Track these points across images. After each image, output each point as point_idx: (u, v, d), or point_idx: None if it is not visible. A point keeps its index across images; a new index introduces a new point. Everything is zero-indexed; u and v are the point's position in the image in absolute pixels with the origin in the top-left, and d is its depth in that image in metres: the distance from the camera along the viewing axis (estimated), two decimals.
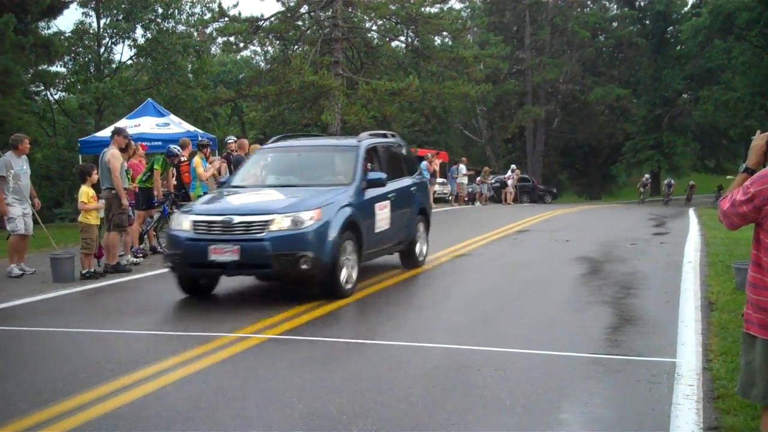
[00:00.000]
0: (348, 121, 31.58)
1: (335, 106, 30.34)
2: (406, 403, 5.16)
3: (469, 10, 58.16)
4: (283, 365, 6.24)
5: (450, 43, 43.62)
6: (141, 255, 13.11)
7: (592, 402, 5.16)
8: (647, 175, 44.22)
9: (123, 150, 13.05)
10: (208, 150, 15.85)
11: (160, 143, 15.61)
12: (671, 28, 56.29)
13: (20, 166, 11.95)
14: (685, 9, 56.81)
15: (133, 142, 13.89)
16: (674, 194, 43.10)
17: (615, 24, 57.90)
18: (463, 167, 32.32)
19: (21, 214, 11.78)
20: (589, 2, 59.15)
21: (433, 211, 24.65)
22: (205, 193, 14.83)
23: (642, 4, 57.90)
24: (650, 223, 19.62)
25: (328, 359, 6.39)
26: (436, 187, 30.51)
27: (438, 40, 45.10)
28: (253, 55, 57.25)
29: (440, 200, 32.55)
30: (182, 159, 15.04)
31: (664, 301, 8.57)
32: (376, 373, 5.89)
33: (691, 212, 22.86)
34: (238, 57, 55.07)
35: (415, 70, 39.51)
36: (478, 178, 35.02)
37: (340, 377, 5.82)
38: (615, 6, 60.59)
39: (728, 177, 13.67)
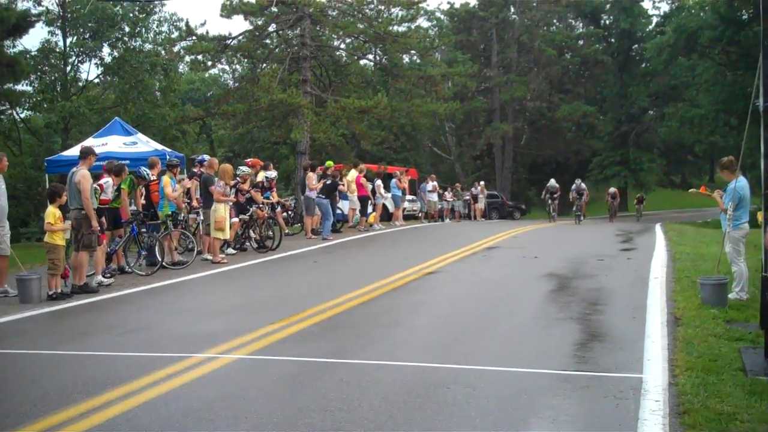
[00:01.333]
0: (317, 138, 31.59)
1: (304, 124, 30.33)
2: (375, 421, 5.18)
3: (436, 28, 58.62)
4: (254, 385, 6.22)
5: (418, 61, 43.79)
6: (109, 275, 13.01)
7: (559, 418, 5.21)
8: (613, 189, 43.24)
9: (116, 174, 13.06)
10: (177, 169, 15.82)
11: (128, 162, 15.52)
12: (636, 46, 57.08)
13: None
14: (650, 27, 57.67)
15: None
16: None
17: (581, 42, 58.59)
18: (433, 184, 32.47)
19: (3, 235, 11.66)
20: (555, 21, 59.85)
21: (402, 228, 24.84)
22: (173, 213, 14.83)
23: (607, 22, 58.64)
24: (618, 239, 19.81)
25: (298, 378, 6.38)
26: (406, 204, 30.57)
27: (406, 59, 45.28)
28: (221, 73, 57.36)
29: (410, 217, 32.63)
30: (151, 178, 15.00)
31: (630, 317, 8.67)
32: (345, 392, 5.89)
33: (658, 228, 23.10)
34: (206, 75, 55.01)
35: (383, 88, 39.69)
36: (448, 194, 35.16)
37: (309, 397, 5.82)
38: (581, 24, 61.35)
39: (690, 191, 13.98)
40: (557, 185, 34.29)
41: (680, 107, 48.34)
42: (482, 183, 38.46)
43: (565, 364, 6.60)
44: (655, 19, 58.08)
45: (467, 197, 36.64)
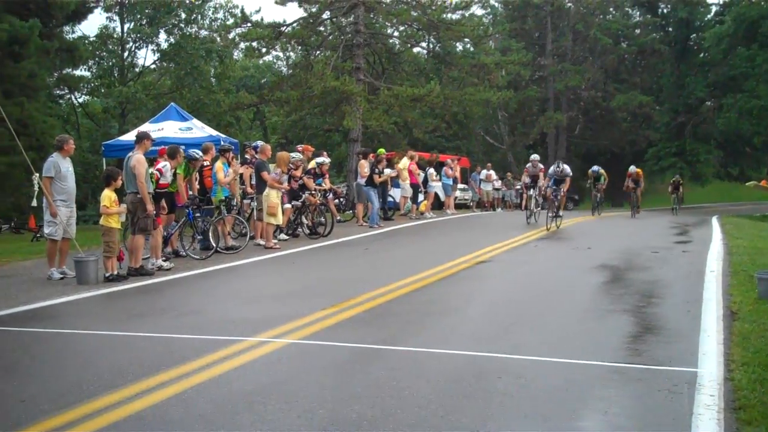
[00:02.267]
0: (369, 126, 31.66)
1: (357, 111, 30.42)
2: (426, 409, 5.18)
3: (490, 16, 58.13)
4: (305, 370, 6.27)
5: (471, 49, 43.61)
6: (164, 258, 13.20)
7: (611, 411, 5.16)
8: (677, 176, 38.06)
9: (171, 157, 13.23)
10: (230, 155, 15.96)
11: (183, 147, 15.69)
12: (694, 35, 55.91)
13: (66, 168, 12.08)
14: (709, 16, 56.43)
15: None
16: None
17: (637, 31, 57.58)
18: (486, 173, 32.36)
19: (65, 219, 11.91)
20: (611, 9, 58.88)
21: (454, 216, 24.76)
22: (227, 198, 14.98)
23: (665, 11, 57.53)
24: (672, 231, 19.52)
25: (348, 364, 6.42)
26: (457, 193, 30.45)
27: (459, 47, 45.16)
28: (275, 60, 57.58)
29: (462, 206, 32.52)
30: (205, 164, 15.18)
31: (685, 311, 8.54)
32: (396, 378, 5.90)
33: (714, 221, 22.71)
34: (261, 62, 55.33)
35: (436, 76, 39.53)
36: (498, 183, 34.96)
37: (360, 383, 5.84)
38: (637, 13, 60.24)
39: (748, 184, 13.63)
40: (600, 170, 28.43)
41: (739, 98, 47.31)
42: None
43: (618, 356, 6.53)
44: (714, 8, 56.83)
45: (518, 186, 36.34)
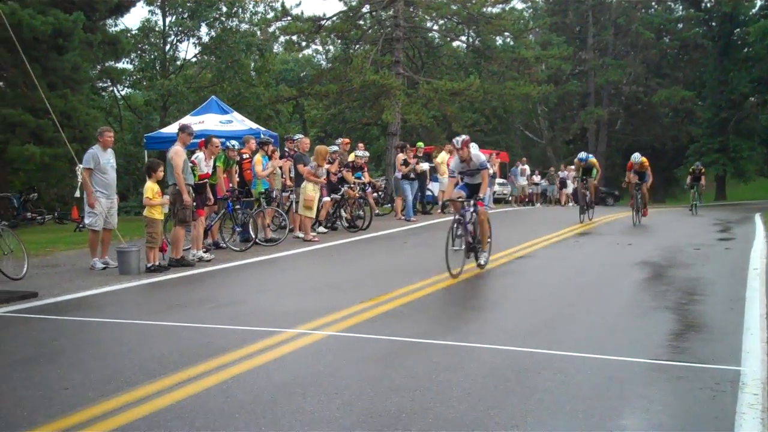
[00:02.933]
0: (408, 120, 31.63)
1: (396, 105, 30.41)
2: (465, 403, 5.17)
3: (531, 10, 57.78)
4: (344, 362, 6.28)
5: (511, 43, 43.36)
6: (204, 249, 13.32)
7: (653, 408, 5.11)
8: (698, 163, 32.39)
9: (204, 145, 13.20)
10: (270, 147, 16.03)
11: (223, 140, 15.81)
12: (738, 30, 54.99)
13: (106, 159, 12.23)
14: (753, 11, 55.49)
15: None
16: None
17: (680, 25, 56.85)
18: (522, 168, 32.17)
19: (104, 210, 12.07)
20: (653, 3, 58.21)
21: (492, 211, 24.64)
22: (266, 191, 15.07)
23: (708, 5, 56.70)
24: (715, 228, 19.26)
25: (387, 358, 6.42)
26: (496, 188, 30.31)
27: (499, 41, 44.90)
28: (314, 54, 57.71)
29: (500, 200, 32.39)
30: (244, 156, 15.28)
31: (728, 308, 8.42)
32: (435, 372, 5.89)
33: (757, 218, 22.35)
34: (300, 55, 55.49)
35: (476, 70, 39.38)
36: (538, 178, 34.75)
37: (399, 376, 5.84)
38: (680, 7, 59.45)
39: None
40: (591, 159, 22.19)
41: None
42: (571, 167, 37.84)
43: (660, 353, 6.46)
44: (759, 2, 55.89)
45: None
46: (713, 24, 55.89)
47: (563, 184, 33.94)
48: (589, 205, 20.80)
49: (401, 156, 21.18)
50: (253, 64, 40.58)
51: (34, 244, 14.96)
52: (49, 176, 26.25)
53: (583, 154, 21.99)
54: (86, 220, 12.51)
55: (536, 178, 34.91)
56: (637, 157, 20.59)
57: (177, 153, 12.18)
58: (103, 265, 12.09)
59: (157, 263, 11.60)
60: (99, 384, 5.69)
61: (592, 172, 21.48)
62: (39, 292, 9.82)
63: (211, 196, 13.32)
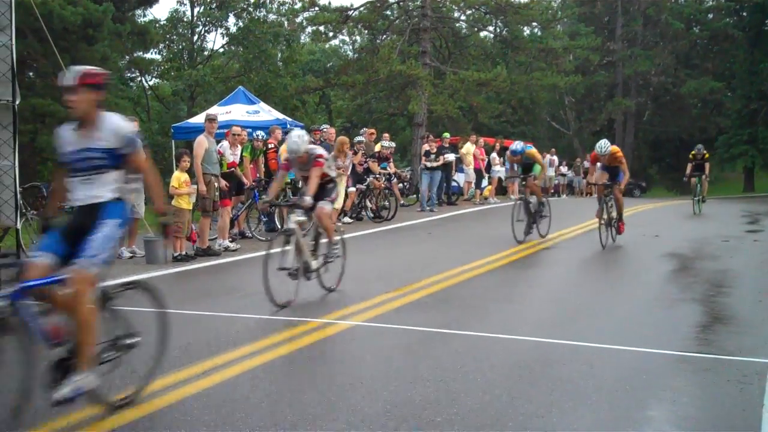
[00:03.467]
0: (434, 111, 31.54)
1: (422, 95, 30.32)
2: (490, 394, 5.17)
3: (559, 0, 57.38)
4: (369, 352, 6.31)
5: (539, 33, 43.08)
6: (231, 239, 13.40)
7: (680, 400, 5.08)
8: (699, 146, 25.13)
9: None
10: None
11: (250, 130, 15.86)
12: None
13: None
14: None
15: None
16: None
17: (710, 16, 56.13)
18: (550, 158, 31.99)
19: (132, 198, 12.15)
20: None
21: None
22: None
23: None
24: (743, 219, 19.07)
25: (412, 348, 6.43)
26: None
27: (527, 31, 44.57)
28: (341, 45, 57.67)
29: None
30: (270, 146, 15.33)
31: (757, 301, 8.35)
32: (461, 363, 5.90)
33: None
34: (327, 46, 55.50)
35: (503, 61, 39.17)
36: (564, 168, 34.58)
37: (424, 366, 5.85)
38: None
39: None
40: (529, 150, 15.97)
41: None
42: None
43: (687, 345, 6.42)
44: None
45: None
46: (744, 14, 55.13)
47: (586, 174, 33.54)
48: (534, 218, 14.17)
49: (425, 147, 21.16)
50: (280, 55, 40.64)
51: None
52: None
53: (518, 145, 15.65)
54: None
55: (563, 169, 34.71)
56: (603, 145, 13.49)
57: (199, 143, 12.27)
58: (130, 254, 12.19)
59: (183, 252, 11.68)
60: (125, 372, 5.74)
61: (533, 168, 15.31)
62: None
63: (245, 180, 13.37)
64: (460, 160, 23.69)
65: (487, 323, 7.35)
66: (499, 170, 25.32)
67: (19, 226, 11.11)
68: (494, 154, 25.23)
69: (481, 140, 25.36)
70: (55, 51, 14.22)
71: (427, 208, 20.19)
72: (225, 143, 13.52)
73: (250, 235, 14.38)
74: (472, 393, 5.18)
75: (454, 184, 23.95)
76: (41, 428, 4.58)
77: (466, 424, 4.64)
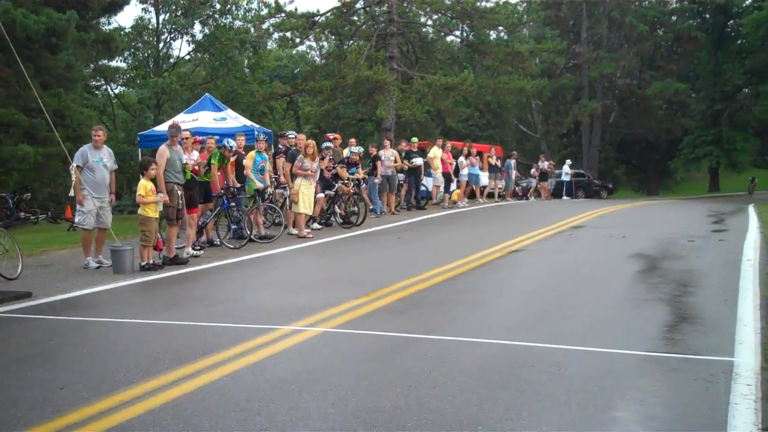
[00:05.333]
0: (402, 115, 31.61)
1: (390, 100, 30.38)
2: (460, 398, 5.18)
3: (524, 4, 57.55)
4: (338, 358, 6.29)
5: (505, 37, 43.34)
6: (199, 248, 13.33)
7: (648, 400, 5.12)
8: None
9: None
10: (264, 144, 16.07)
11: (217, 137, 15.81)
12: (732, 22, 54.98)
13: (98, 159, 12.24)
14: (746, 3, 55.42)
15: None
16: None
17: (674, 18, 56.78)
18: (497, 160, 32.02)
19: (92, 209, 12.08)
20: None
21: (487, 206, 24.69)
22: (257, 191, 15.09)
23: None
24: (708, 219, 19.28)
25: (382, 353, 6.42)
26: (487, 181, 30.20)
27: (493, 35, 44.81)
28: (308, 50, 57.67)
29: (492, 195, 32.39)
30: (240, 154, 15.31)
31: (722, 300, 8.44)
32: (430, 367, 5.90)
33: (751, 209, 22.38)
34: (294, 52, 55.45)
35: (470, 65, 39.38)
36: (533, 170, 34.77)
37: (394, 371, 5.85)
38: (674, 0, 59.48)
39: None
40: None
41: None
42: (569, 161, 37.84)
43: (654, 345, 6.47)
44: None
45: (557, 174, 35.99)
46: (707, 16, 55.90)
47: (543, 176, 33.66)
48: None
49: (381, 153, 21.29)
50: (246, 61, 40.55)
51: (28, 244, 14.93)
52: (42, 176, 26.21)
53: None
54: (77, 219, 12.54)
55: (532, 171, 34.88)
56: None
57: (160, 154, 12.28)
58: (97, 264, 12.09)
59: (151, 262, 11.59)
60: (94, 383, 5.69)
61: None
62: (33, 292, 9.81)
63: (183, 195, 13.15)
64: (428, 165, 23.75)
65: (457, 327, 7.37)
66: (467, 174, 25.44)
67: None
68: (462, 158, 25.33)
69: (449, 144, 25.45)
70: (18, 60, 14.05)
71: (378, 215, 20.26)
72: (195, 153, 13.48)
73: (218, 243, 14.31)
74: (441, 397, 5.19)
75: (422, 188, 24.02)
76: None
77: (436, 428, 4.64)
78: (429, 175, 24.17)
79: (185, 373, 5.84)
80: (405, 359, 6.20)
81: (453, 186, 24.96)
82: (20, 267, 11.21)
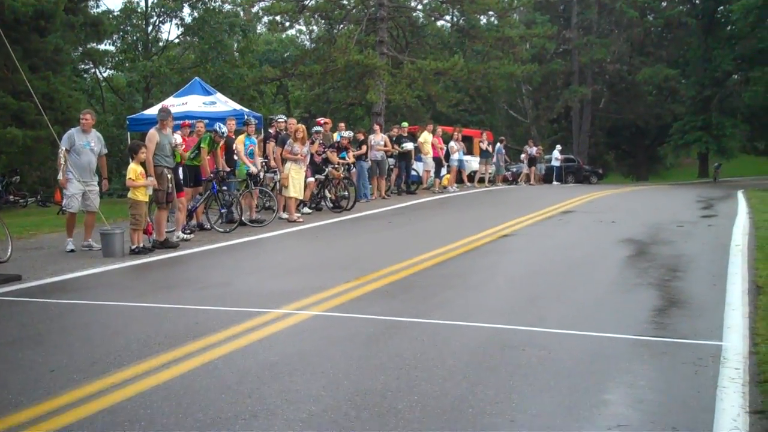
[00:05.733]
0: (393, 100, 31.58)
1: (380, 85, 30.34)
2: (450, 381, 5.20)
3: None
4: (329, 342, 6.30)
5: (496, 22, 43.25)
6: (189, 231, 13.32)
7: (637, 384, 5.16)
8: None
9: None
10: (253, 128, 16.05)
11: (207, 121, 15.77)
12: (722, 7, 54.91)
13: (85, 142, 12.22)
14: None
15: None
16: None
17: (664, 3, 56.71)
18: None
19: (76, 192, 12.08)
20: None
21: (476, 191, 24.73)
22: (248, 173, 15.06)
23: None
24: (698, 205, 19.37)
25: (373, 336, 6.44)
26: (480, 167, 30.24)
27: (484, 20, 44.76)
28: (298, 35, 57.41)
29: (483, 180, 32.44)
30: (230, 139, 15.28)
31: (711, 284, 8.49)
32: (420, 351, 5.92)
33: (740, 195, 22.48)
34: (284, 36, 55.23)
35: (460, 50, 39.32)
36: (522, 156, 34.82)
37: (385, 354, 5.86)
38: None
39: None
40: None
41: (766, 71, 46.56)
42: (559, 146, 37.86)
43: (643, 329, 6.51)
44: None
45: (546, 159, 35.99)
46: (697, 2, 55.87)
47: (531, 161, 33.67)
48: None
49: (371, 137, 21.29)
50: (236, 45, 40.38)
51: (17, 227, 14.89)
52: (31, 159, 26.10)
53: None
54: (63, 202, 12.54)
55: (522, 157, 34.92)
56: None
57: (150, 137, 12.25)
58: (86, 248, 12.10)
59: (141, 245, 11.58)
60: (85, 366, 5.69)
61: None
62: (23, 275, 9.77)
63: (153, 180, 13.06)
64: (418, 150, 23.75)
65: (447, 311, 7.38)
66: (457, 159, 25.46)
67: None
68: (453, 143, 25.34)
69: (439, 129, 25.43)
70: (6, 43, 13.95)
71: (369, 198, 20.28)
72: (177, 135, 13.44)
73: (208, 227, 14.29)
74: (432, 380, 5.21)
75: (413, 173, 24.02)
76: None
77: (426, 411, 4.66)
78: (419, 159, 24.16)
79: (176, 356, 5.84)
80: (395, 343, 6.22)
81: (443, 171, 24.96)
82: (10, 250, 11.16)
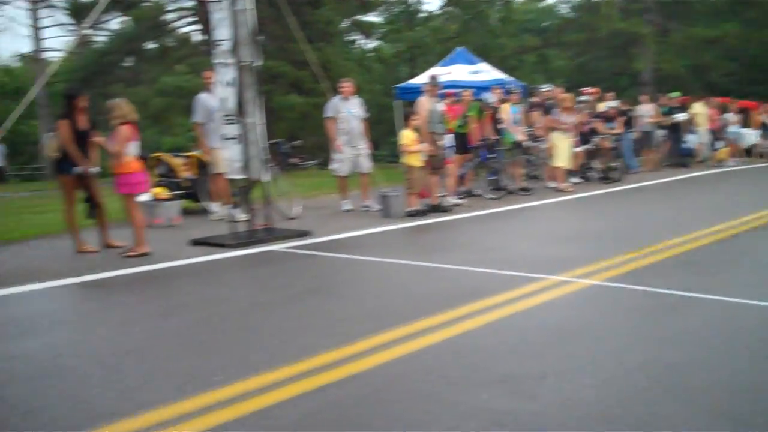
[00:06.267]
0: (661, 69, 30.29)
1: (647, 53, 29.20)
2: (740, 361, 4.89)
3: None
4: (610, 312, 6.22)
5: None
6: (461, 197, 13.69)
7: None
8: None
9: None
10: (517, 97, 16.03)
11: (473, 90, 15.96)
12: None
13: (348, 109, 12.91)
14: None
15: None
16: None
17: None
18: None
19: (348, 157, 12.83)
20: None
21: (756, 165, 22.97)
22: (514, 143, 15.08)
23: None
24: None
25: (654, 310, 6.23)
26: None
27: None
28: (556, 3, 56.39)
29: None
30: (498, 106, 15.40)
31: None
32: (707, 328, 5.65)
33: None
34: (542, 5, 54.51)
35: (733, 17, 36.85)
36: None
37: (670, 329, 5.64)
38: None
39: None
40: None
41: None
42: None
43: None
44: None
45: None
46: None
47: None
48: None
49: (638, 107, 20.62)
50: (497, 15, 40.38)
51: (300, 187, 15.88)
52: (306, 125, 27.65)
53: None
54: (331, 166, 13.30)
55: None
56: None
57: (421, 104, 12.74)
58: (365, 208, 12.81)
59: (417, 208, 12.07)
60: (373, 317, 6.03)
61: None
62: (311, 231, 10.55)
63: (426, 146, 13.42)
64: (690, 121, 22.60)
65: (735, 288, 6.92)
66: (734, 131, 23.99)
67: (266, 179, 11.77)
68: (731, 114, 23.89)
69: (714, 100, 23.99)
70: (285, 15, 14.75)
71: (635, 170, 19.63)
72: (442, 104, 13.78)
73: (478, 193, 14.58)
74: (720, 359, 4.92)
75: (685, 145, 22.90)
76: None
77: (723, 391, 4.39)
78: (692, 132, 22.99)
79: (459, 314, 6.01)
80: (680, 318, 5.98)
81: (719, 144, 23.57)
82: (299, 208, 12.10)
